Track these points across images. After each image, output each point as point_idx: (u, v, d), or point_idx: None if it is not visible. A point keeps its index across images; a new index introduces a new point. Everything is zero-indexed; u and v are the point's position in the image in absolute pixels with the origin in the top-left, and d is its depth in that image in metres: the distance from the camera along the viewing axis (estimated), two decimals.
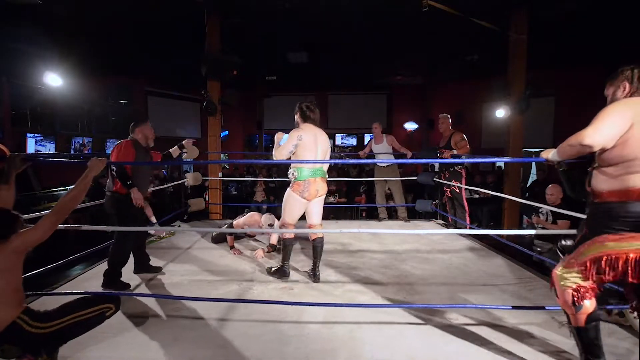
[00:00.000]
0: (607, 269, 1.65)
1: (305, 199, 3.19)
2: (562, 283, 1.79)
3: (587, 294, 1.74)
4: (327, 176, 3.30)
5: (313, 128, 3.18)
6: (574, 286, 1.75)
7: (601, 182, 1.73)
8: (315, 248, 3.33)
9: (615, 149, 1.66)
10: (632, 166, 1.63)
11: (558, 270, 1.84)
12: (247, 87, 11.38)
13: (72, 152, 8.77)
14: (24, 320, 1.69)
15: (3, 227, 1.69)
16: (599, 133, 1.64)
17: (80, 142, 9.19)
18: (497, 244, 4.44)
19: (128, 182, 3.08)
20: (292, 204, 3.22)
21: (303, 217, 3.39)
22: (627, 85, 1.74)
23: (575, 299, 1.74)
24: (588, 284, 1.74)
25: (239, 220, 4.29)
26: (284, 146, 3.10)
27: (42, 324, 1.72)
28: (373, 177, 6.05)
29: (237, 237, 4.56)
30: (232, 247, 4.17)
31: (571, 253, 1.84)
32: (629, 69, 1.75)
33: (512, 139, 6.07)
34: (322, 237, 3.34)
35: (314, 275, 3.33)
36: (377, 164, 5.93)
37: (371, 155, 6.00)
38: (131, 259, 3.33)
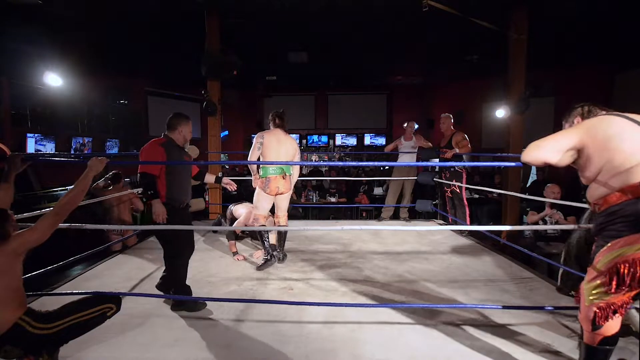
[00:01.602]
0: (627, 274, 1.54)
1: (268, 194, 3.70)
2: (590, 298, 1.67)
3: (611, 315, 1.62)
4: (290, 174, 3.78)
5: (277, 132, 3.73)
6: (602, 304, 1.63)
7: (596, 189, 1.69)
8: (279, 233, 3.87)
9: (586, 169, 1.70)
10: (618, 167, 1.59)
11: (585, 284, 1.73)
12: (247, 87, 11.37)
13: (72, 152, 8.77)
14: (27, 321, 1.68)
15: None
16: (537, 152, 1.73)
17: (81, 142, 9.18)
18: (497, 243, 4.45)
19: (150, 192, 2.67)
20: (259, 198, 3.77)
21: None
22: (580, 120, 1.89)
23: (597, 317, 1.64)
24: (617, 298, 1.61)
25: (240, 222, 4.22)
26: (252, 151, 3.72)
27: (45, 325, 1.72)
28: (373, 177, 6.04)
29: (239, 237, 4.54)
30: (235, 254, 4.06)
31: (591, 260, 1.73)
32: (580, 106, 1.92)
33: (512, 139, 6.07)
34: (285, 224, 3.91)
35: (279, 258, 3.79)
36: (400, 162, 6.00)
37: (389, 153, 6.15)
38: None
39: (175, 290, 2.80)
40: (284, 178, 3.69)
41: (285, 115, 3.81)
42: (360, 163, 11.64)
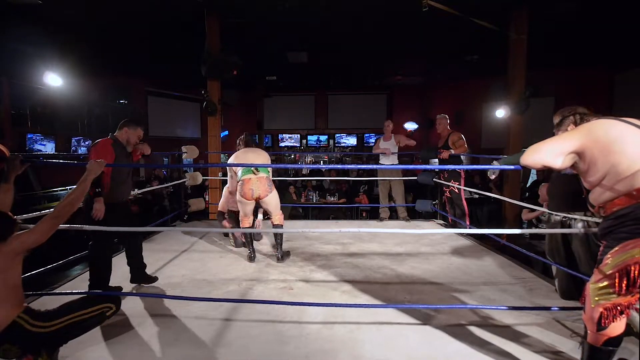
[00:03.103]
0: (638, 276, 1.53)
1: (244, 198, 3.80)
2: (596, 299, 1.66)
3: (617, 316, 1.62)
4: (267, 175, 3.83)
5: (244, 150, 3.97)
6: (608, 305, 1.62)
7: (602, 193, 1.68)
8: (276, 233, 4.04)
9: (590, 173, 1.69)
10: (624, 172, 1.59)
11: (591, 285, 1.71)
12: (247, 87, 11.38)
13: (73, 149, 8.79)
14: (25, 319, 1.69)
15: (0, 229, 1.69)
16: (537, 155, 1.74)
17: (82, 142, 9.19)
18: (497, 244, 4.44)
19: (97, 190, 2.79)
20: (239, 203, 3.97)
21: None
22: (573, 127, 1.91)
23: (603, 318, 1.63)
24: (624, 299, 1.60)
25: (222, 203, 4.55)
26: (229, 180, 4.20)
27: (43, 323, 1.72)
28: (373, 177, 6.06)
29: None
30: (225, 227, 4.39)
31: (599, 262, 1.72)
32: (571, 114, 1.97)
33: (512, 139, 6.07)
34: (280, 224, 3.98)
35: (278, 257, 3.87)
36: (380, 163, 6.00)
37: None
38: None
39: (90, 283, 2.88)
40: (257, 179, 3.75)
41: (250, 138, 4.15)
42: (348, 166, 11.61)
